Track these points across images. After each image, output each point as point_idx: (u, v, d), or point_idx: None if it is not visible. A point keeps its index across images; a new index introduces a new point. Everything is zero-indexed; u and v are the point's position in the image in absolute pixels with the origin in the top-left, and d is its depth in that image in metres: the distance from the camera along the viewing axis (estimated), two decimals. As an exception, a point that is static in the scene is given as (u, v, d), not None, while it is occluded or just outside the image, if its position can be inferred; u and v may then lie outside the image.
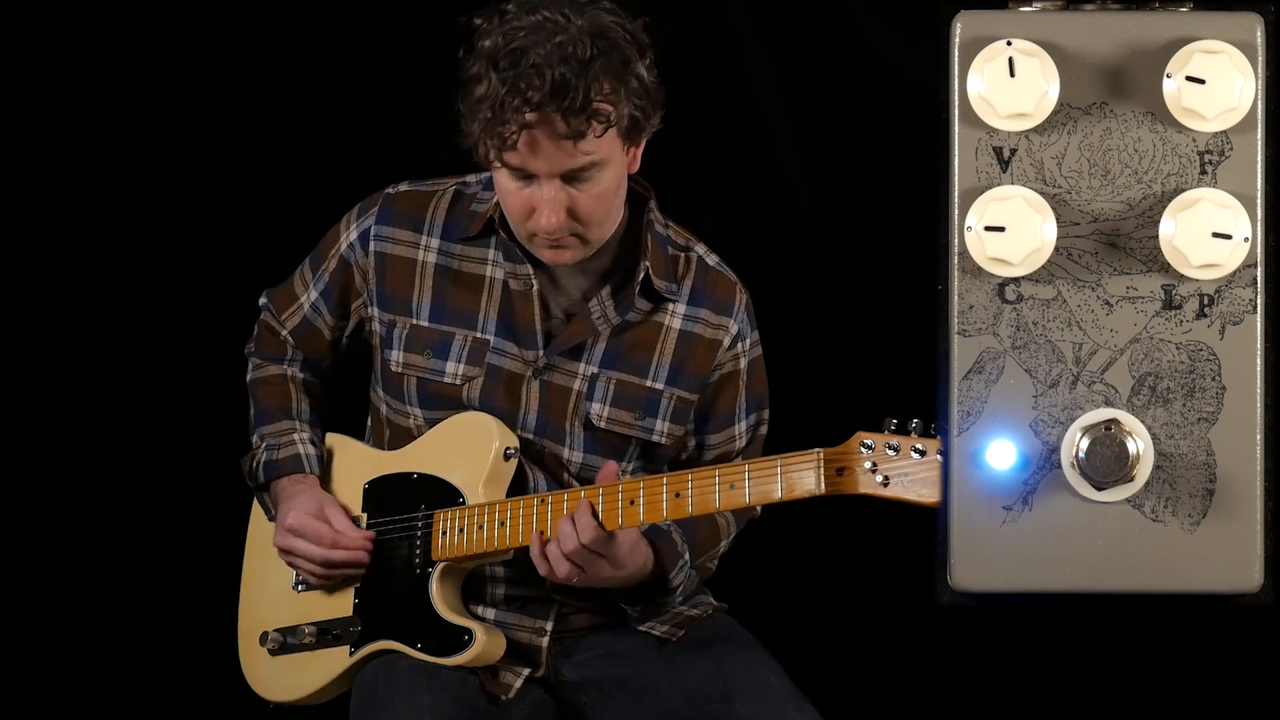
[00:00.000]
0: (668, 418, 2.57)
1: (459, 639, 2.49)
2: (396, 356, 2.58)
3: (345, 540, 2.56)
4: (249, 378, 2.75)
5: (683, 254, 2.60)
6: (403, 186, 2.62)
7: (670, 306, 2.56)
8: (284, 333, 2.72)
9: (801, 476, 2.30)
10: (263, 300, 2.75)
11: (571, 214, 2.39)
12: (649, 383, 2.55)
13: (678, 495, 2.38)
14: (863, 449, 2.27)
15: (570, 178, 2.38)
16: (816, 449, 2.30)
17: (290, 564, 2.61)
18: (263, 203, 3.41)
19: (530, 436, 2.55)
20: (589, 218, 2.42)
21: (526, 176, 2.38)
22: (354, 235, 2.62)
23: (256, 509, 2.74)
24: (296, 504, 2.59)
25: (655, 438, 2.56)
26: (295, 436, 2.66)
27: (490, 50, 2.33)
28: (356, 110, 3.43)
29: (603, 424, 2.54)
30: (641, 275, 2.52)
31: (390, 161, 3.19)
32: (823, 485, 2.29)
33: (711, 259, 2.62)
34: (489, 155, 2.37)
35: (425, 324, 2.57)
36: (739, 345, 2.60)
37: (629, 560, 2.45)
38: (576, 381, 2.54)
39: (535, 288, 2.53)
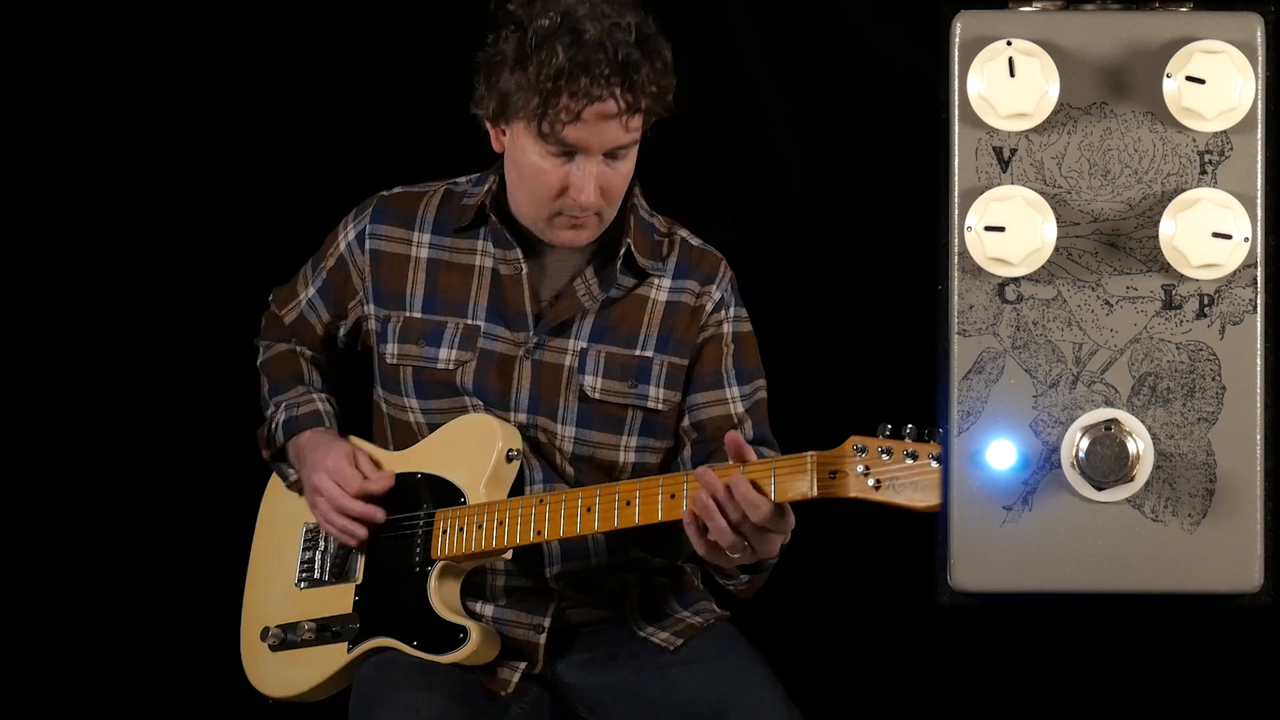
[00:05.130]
0: (661, 384, 2.60)
1: (454, 637, 2.50)
2: (391, 349, 2.63)
3: (372, 486, 2.59)
4: (260, 360, 2.82)
5: (666, 238, 2.67)
6: (395, 189, 2.71)
7: (655, 281, 2.62)
8: (286, 323, 2.80)
9: (794, 479, 2.30)
10: (270, 297, 2.85)
11: (603, 191, 2.48)
12: (638, 351, 2.60)
13: (673, 496, 2.39)
14: (855, 452, 2.28)
15: (610, 154, 2.46)
16: (810, 452, 2.31)
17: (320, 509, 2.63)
18: (272, 205, 3.43)
19: (524, 417, 2.58)
20: (613, 195, 2.51)
21: (567, 153, 2.45)
22: (351, 235, 2.69)
23: (264, 506, 2.78)
24: (333, 448, 2.62)
25: (651, 404, 2.60)
26: (314, 396, 2.72)
27: (547, 29, 2.40)
28: (363, 114, 3.44)
29: (597, 394, 2.58)
30: (624, 250, 2.58)
31: (395, 166, 3.21)
32: (815, 488, 2.29)
33: (694, 240, 2.69)
34: (542, 129, 2.42)
35: (418, 315, 2.63)
36: (722, 311, 2.65)
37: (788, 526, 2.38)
38: (567, 357, 2.58)
39: (524, 271, 2.59)
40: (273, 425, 2.71)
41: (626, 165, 2.50)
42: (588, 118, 2.40)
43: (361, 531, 2.60)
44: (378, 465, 2.64)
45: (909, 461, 2.25)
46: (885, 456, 2.26)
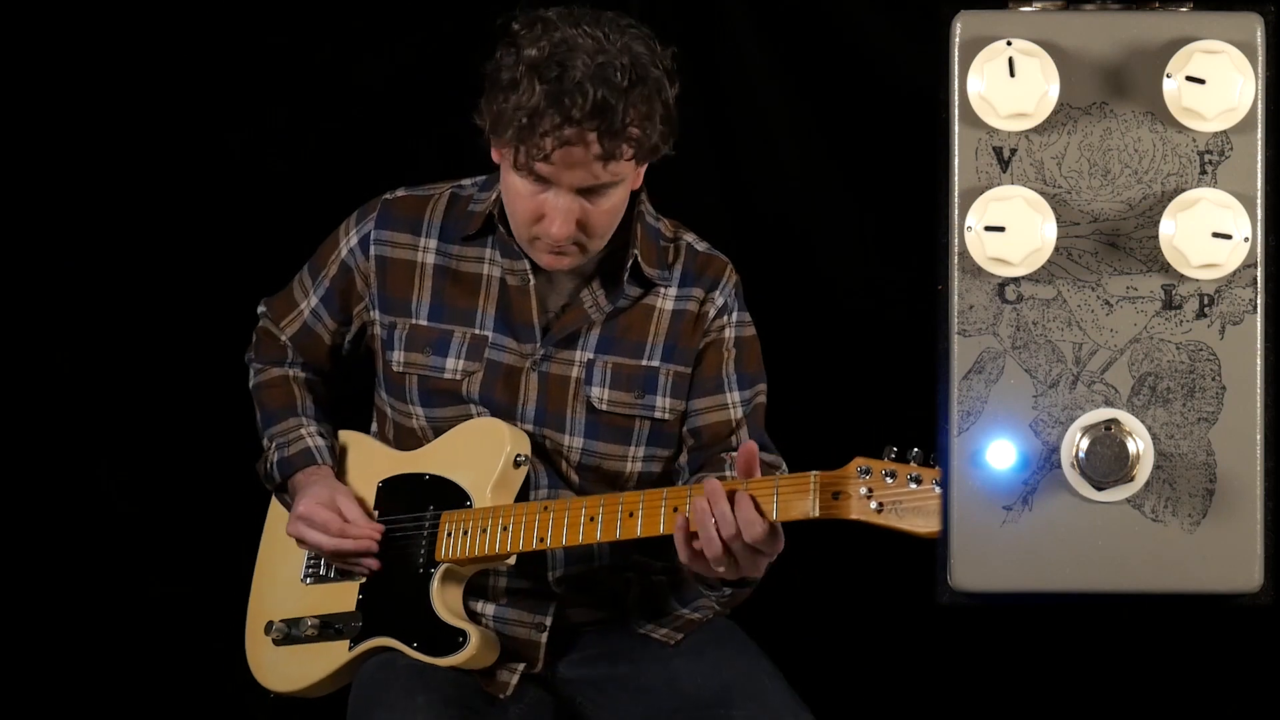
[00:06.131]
0: (668, 394, 2.60)
1: (454, 640, 2.50)
2: (398, 357, 2.61)
3: (353, 530, 2.58)
4: (251, 384, 2.79)
5: (672, 244, 2.65)
6: (399, 192, 2.68)
7: (661, 290, 2.61)
8: (283, 338, 2.76)
9: (797, 498, 2.29)
10: (260, 309, 2.80)
11: (580, 224, 2.45)
12: (644, 362, 2.59)
13: (675, 510, 2.38)
14: (859, 474, 2.26)
15: (586, 191, 2.42)
16: (813, 471, 2.30)
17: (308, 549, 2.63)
18: (263, 206, 3.43)
19: (530, 428, 2.57)
20: (595, 230, 2.47)
21: (543, 182, 2.41)
22: (354, 240, 2.66)
23: (275, 501, 2.78)
24: (310, 493, 2.61)
25: (658, 414, 2.59)
26: (303, 432, 2.69)
27: (535, 59, 2.35)
28: (357, 116, 3.44)
29: (604, 406, 2.58)
30: (630, 262, 2.57)
31: (390, 168, 3.21)
32: (817, 509, 2.28)
33: (701, 245, 2.67)
34: (518, 160, 2.40)
35: (424, 323, 2.61)
36: (725, 317, 2.63)
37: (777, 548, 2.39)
38: (574, 369, 2.57)
39: (532, 283, 2.58)
40: (268, 465, 2.70)
41: (609, 202, 2.45)
42: (556, 159, 2.37)
43: (366, 565, 2.59)
44: (365, 506, 2.62)
45: (913, 486, 2.24)
46: (889, 479, 2.25)
